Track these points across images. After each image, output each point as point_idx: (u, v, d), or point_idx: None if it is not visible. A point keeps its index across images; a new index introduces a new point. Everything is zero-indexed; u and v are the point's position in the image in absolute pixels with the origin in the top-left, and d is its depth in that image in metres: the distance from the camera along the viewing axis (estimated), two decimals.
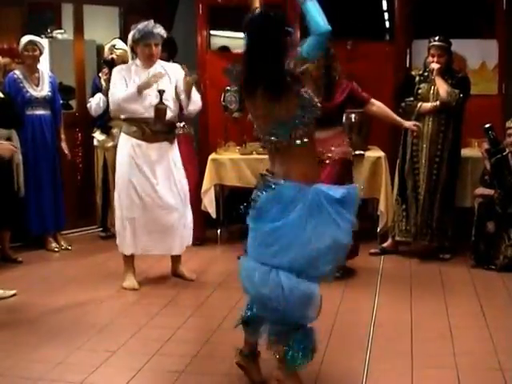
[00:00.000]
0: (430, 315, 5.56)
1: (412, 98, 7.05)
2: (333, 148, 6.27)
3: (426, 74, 7.05)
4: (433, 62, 6.92)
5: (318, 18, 3.87)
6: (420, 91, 7.06)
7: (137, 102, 6.02)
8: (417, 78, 7.12)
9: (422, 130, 6.93)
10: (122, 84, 6.10)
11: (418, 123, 6.61)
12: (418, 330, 5.20)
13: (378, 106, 6.44)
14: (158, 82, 6.05)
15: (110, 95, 6.20)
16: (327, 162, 6.27)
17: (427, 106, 6.98)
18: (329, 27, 3.88)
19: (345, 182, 6.34)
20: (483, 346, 4.93)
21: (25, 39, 7.26)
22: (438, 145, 6.98)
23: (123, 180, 6.17)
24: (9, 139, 6.34)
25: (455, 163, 7.11)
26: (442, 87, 6.85)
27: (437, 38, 6.92)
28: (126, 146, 6.16)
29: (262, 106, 3.93)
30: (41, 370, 4.58)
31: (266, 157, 7.37)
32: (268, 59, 3.85)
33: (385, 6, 9.07)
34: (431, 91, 6.99)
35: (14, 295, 5.99)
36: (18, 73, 7.29)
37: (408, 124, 6.59)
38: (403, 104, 7.05)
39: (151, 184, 6.12)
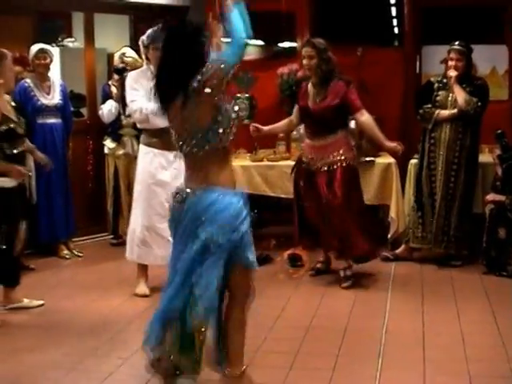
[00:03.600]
0: (442, 322, 5.55)
1: (430, 105, 7.02)
2: (339, 153, 6.36)
3: (444, 80, 7.01)
4: (451, 67, 6.90)
5: (239, 26, 3.88)
6: (438, 98, 7.02)
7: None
8: (435, 85, 7.07)
9: (439, 137, 6.94)
10: (143, 91, 6.06)
11: (399, 144, 6.40)
12: (430, 337, 5.19)
13: (366, 117, 6.41)
14: None
15: (130, 103, 6.15)
16: (335, 167, 6.34)
17: (445, 113, 6.94)
18: (244, 36, 3.89)
19: (350, 190, 6.41)
20: (495, 352, 4.92)
21: (35, 47, 7.28)
22: (456, 152, 6.93)
23: (145, 189, 6.16)
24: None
25: (473, 170, 7.05)
26: (459, 95, 6.81)
27: (457, 42, 6.89)
28: (148, 155, 6.15)
29: (179, 113, 3.95)
30: (54, 376, 4.61)
31: (277, 163, 7.50)
32: (178, 72, 3.90)
33: (394, 12, 9.08)
34: (449, 98, 6.95)
35: (41, 305, 6.01)
36: (28, 81, 7.31)
37: (389, 145, 6.42)
38: (421, 111, 7.02)
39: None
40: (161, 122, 5.95)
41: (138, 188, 6.28)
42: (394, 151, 6.48)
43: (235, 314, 4.11)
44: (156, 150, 6.14)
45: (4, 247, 5.68)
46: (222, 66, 3.86)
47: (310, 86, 6.53)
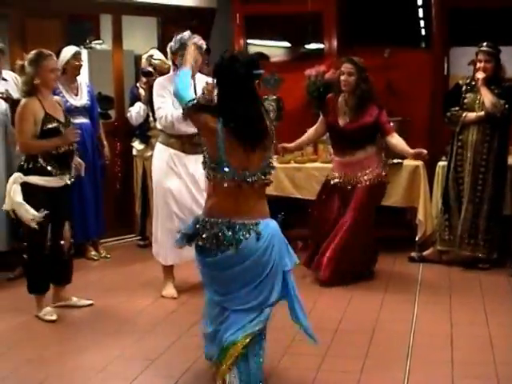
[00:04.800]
0: (470, 324, 5.52)
1: (457, 108, 6.98)
2: (367, 171, 6.47)
3: (472, 83, 6.97)
4: (479, 68, 6.86)
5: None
6: (466, 101, 6.98)
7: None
8: (463, 88, 7.03)
9: (467, 139, 6.91)
10: (169, 98, 6.06)
11: (422, 150, 6.41)
12: (458, 340, 5.17)
13: (397, 139, 6.52)
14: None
15: (157, 110, 6.15)
16: (358, 186, 6.48)
17: (472, 116, 6.90)
18: None
19: (372, 206, 6.47)
20: None
21: (73, 49, 7.33)
22: (483, 155, 6.88)
23: (161, 189, 6.18)
24: None
25: (501, 173, 6.98)
26: (487, 97, 6.77)
27: (485, 43, 6.85)
28: (164, 154, 6.17)
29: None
30: (82, 378, 4.65)
31: (304, 165, 7.49)
32: (245, 104, 4.01)
33: (421, 13, 9.04)
34: (477, 101, 6.91)
35: (90, 305, 6.09)
36: (57, 83, 7.34)
37: (413, 151, 6.42)
38: (448, 113, 6.99)
39: (190, 191, 6.12)
40: (185, 128, 5.96)
41: (154, 188, 6.32)
42: (419, 156, 6.46)
43: None
44: (172, 150, 6.15)
45: (50, 244, 5.78)
46: None
47: (341, 100, 6.57)
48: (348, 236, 6.47)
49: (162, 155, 6.22)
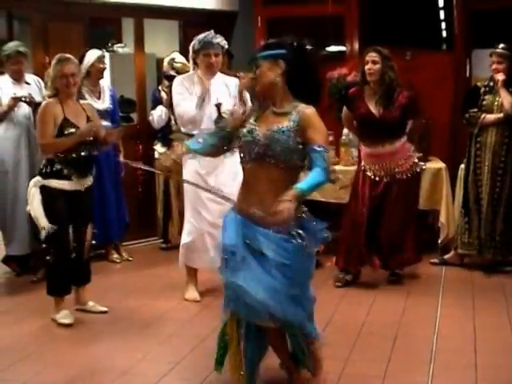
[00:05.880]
0: (493, 328, 5.49)
1: (476, 109, 6.95)
2: (401, 162, 6.49)
3: (491, 84, 6.95)
4: (495, 70, 6.83)
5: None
6: (484, 102, 6.94)
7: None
8: (482, 89, 6.99)
9: (485, 141, 6.88)
10: (187, 94, 6.10)
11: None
12: (482, 343, 5.14)
13: (414, 126, 6.71)
14: (215, 96, 6.08)
15: (176, 106, 6.18)
16: (397, 177, 6.48)
17: (491, 117, 6.86)
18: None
19: (410, 199, 6.47)
20: None
21: (97, 52, 7.36)
22: (502, 157, 6.84)
23: (192, 196, 6.17)
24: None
25: None
26: (506, 99, 6.74)
27: (500, 45, 6.83)
28: (192, 161, 6.16)
29: None
30: (104, 381, 4.66)
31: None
32: None
33: (443, 15, 9.01)
34: (496, 103, 6.87)
35: (105, 312, 6.05)
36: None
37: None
38: (467, 115, 6.96)
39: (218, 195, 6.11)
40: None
41: (185, 194, 6.32)
42: None
43: None
44: (199, 157, 6.14)
45: (75, 245, 5.82)
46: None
47: (368, 92, 6.53)
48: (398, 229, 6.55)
49: (190, 164, 6.18)
